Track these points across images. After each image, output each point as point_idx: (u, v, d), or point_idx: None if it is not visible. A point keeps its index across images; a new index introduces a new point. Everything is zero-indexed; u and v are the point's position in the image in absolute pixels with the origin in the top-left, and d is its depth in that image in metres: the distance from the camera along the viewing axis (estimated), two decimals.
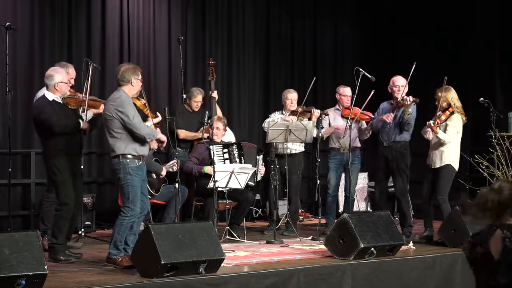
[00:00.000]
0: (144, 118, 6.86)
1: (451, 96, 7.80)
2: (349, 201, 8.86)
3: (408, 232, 8.18)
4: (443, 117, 7.74)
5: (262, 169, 8.61)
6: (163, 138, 6.76)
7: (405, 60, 11.08)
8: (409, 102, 7.94)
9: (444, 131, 7.74)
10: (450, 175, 7.82)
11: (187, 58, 10.18)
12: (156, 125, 7.06)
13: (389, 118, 8.13)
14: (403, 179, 8.22)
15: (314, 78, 8.72)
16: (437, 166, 7.81)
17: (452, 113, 7.76)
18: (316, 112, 8.60)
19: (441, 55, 11.20)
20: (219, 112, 8.90)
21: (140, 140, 6.36)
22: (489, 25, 10.91)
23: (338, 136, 8.72)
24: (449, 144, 7.77)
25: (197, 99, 8.76)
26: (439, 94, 7.76)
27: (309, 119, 8.62)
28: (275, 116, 8.88)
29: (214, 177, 7.59)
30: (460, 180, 8.53)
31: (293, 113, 8.70)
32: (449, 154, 7.79)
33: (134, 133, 6.29)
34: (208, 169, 8.13)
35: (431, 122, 7.67)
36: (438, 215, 7.98)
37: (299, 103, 8.81)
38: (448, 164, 7.78)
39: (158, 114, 7.24)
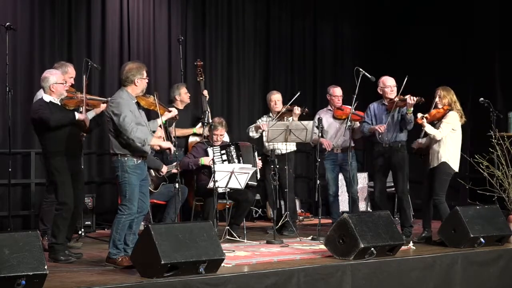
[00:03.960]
0: (156, 116, 6.81)
1: (453, 96, 7.85)
2: (353, 200, 8.81)
3: (408, 232, 8.18)
4: (433, 112, 7.79)
5: (259, 163, 8.56)
6: (165, 146, 6.60)
7: (405, 60, 11.18)
8: (412, 102, 7.95)
9: (439, 128, 7.79)
10: (445, 174, 7.81)
11: (187, 58, 10.18)
12: (173, 119, 7.00)
13: (381, 128, 8.15)
14: (404, 179, 8.22)
15: (298, 93, 8.72)
16: (434, 165, 7.82)
17: (449, 110, 7.78)
18: (296, 110, 8.61)
19: (441, 55, 11.20)
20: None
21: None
22: (489, 25, 10.91)
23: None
24: (445, 143, 7.78)
25: (185, 90, 8.75)
26: (441, 91, 7.80)
27: (293, 118, 8.61)
28: (262, 120, 8.88)
29: (214, 177, 7.58)
30: (460, 180, 8.52)
31: (278, 113, 8.71)
32: (445, 153, 7.79)
33: (124, 136, 6.22)
34: (204, 160, 8.13)
35: (419, 114, 7.74)
36: (437, 215, 7.98)
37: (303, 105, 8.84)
38: (443, 162, 7.78)
39: (171, 108, 7.05)
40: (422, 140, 8.02)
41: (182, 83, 8.99)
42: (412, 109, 8.02)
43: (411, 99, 7.98)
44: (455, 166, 7.86)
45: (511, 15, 10.68)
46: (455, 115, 7.81)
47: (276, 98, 8.91)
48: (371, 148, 10.12)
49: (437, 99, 7.84)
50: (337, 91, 8.90)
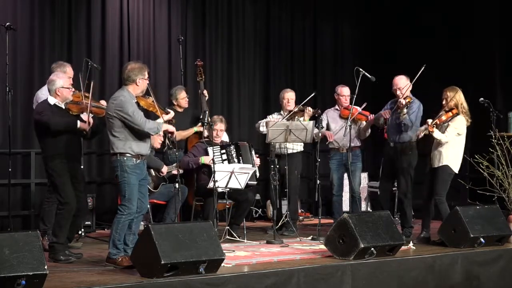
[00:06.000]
0: (154, 117, 6.82)
1: (459, 96, 7.80)
2: (354, 200, 8.81)
3: (409, 232, 8.17)
4: (443, 117, 7.73)
5: (257, 160, 8.56)
6: (171, 128, 6.69)
7: (405, 60, 11.16)
8: (401, 105, 7.94)
9: (445, 131, 7.74)
10: (447, 175, 7.80)
11: (187, 58, 10.18)
12: (170, 121, 7.03)
13: (386, 114, 8.14)
14: (407, 180, 8.19)
15: (313, 93, 8.73)
16: (435, 166, 7.81)
17: (457, 114, 7.75)
18: (308, 110, 8.60)
19: (441, 55, 11.20)
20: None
21: (143, 137, 6.36)
22: (489, 25, 10.91)
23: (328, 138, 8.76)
24: (448, 145, 7.76)
25: (184, 95, 8.73)
26: (448, 93, 7.77)
27: (304, 118, 8.62)
28: (272, 117, 8.88)
29: (214, 177, 7.58)
30: (460, 180, 8.52)
31: (290, 112, 8.70)
32: (448, 155, 7.78)
33: (138, 130, 6.29)
34: (204, 159, 8.13)
35: (429, 120, 7.70)
36: (437, 215, 7.98)
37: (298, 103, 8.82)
38: (445, 165, 7.76)
39: (169, 110, 7.12)
40: (422, 127, 7.93)
41: (181, 86, 8.94)
42: (405, 110, 7.97)
43: (400, 102, 7.95)
44: (456, 168, 7.84)
45: (511, 15, 10.68)
46: (462, 120, 7.75)
47: (289, 96, 8.88)
48: (373, 148, 10.15)
49: (444, 102, 7.78)
50: (344, 91, 8.88)
